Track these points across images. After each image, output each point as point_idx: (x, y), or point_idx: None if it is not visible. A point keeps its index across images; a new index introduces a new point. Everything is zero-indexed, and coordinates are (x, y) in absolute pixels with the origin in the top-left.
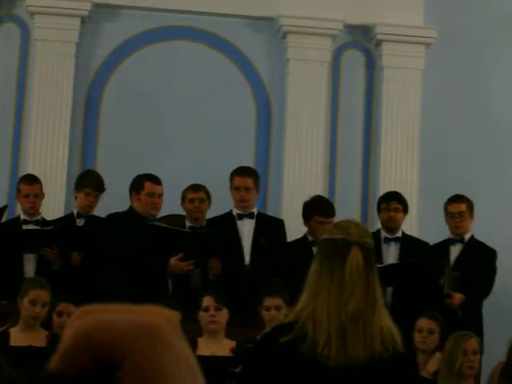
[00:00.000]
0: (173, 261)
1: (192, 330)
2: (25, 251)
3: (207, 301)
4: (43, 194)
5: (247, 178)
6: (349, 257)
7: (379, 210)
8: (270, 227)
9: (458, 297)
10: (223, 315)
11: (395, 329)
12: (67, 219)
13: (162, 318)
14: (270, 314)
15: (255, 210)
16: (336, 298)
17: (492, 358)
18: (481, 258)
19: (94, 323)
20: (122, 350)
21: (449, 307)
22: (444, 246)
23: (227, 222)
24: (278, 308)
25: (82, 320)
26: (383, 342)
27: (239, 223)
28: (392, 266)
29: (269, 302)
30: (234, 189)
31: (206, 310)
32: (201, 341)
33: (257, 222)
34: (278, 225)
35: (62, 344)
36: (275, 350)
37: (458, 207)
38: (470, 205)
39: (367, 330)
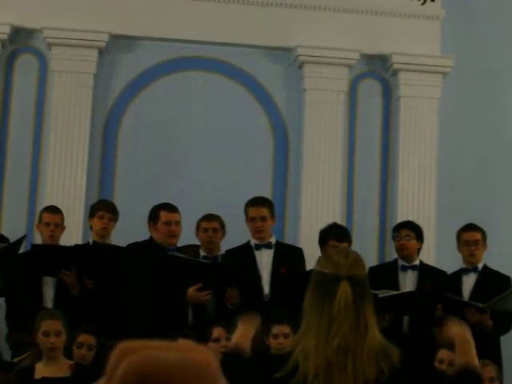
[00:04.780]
0: (191, 291)
1: None
2: (43, 273)
3: (217, 332)
4: (64, 227)
5: (262, 207)
6: (338, 292)
7: (393, 239)
8: (288, 256)
9: (490, 322)
10: None
11: (390, 346)
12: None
13: (208, 355)
14: (278, 342)
15: (273, 240)
16: (324, 332)
17: None
18: (497, 287)
19: (147, 360)
20: None
21: (475, 322)
22: (457, 276)
23: (245, 252)
24: (286, 336)
25: (133, 357)
26: (378, 367)
27: (257, 254)
28: (405, 294)
29: (277, 329)
30: (250, 219)
31: (217, 340)
32: None
33: (275, 252)
34: (296, 253)
35: (114, 379)
36: None
37: (474, 236)
38: (483, 234)
39: (357, 362)
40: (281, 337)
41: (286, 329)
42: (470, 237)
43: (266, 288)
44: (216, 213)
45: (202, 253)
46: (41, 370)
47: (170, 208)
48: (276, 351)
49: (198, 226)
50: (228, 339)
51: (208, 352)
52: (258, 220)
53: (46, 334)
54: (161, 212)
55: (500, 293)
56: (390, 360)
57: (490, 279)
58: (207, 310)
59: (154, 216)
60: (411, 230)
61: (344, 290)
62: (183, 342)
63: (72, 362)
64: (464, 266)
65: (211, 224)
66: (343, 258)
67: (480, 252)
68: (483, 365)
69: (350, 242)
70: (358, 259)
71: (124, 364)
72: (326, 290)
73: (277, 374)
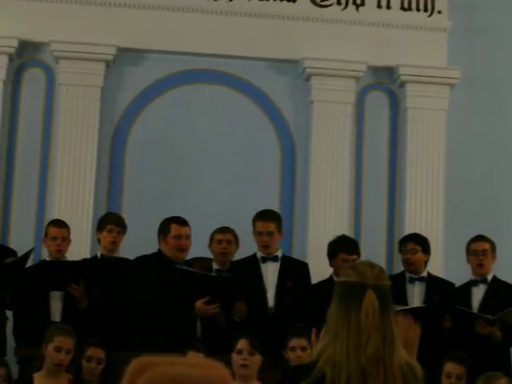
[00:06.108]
0: (198, 304)
1: None
2: (51, 288)
3: (242, 344)
4: (70, 240)
5: (270, 222)
6: (364, 300)
7: (400, 252)
8: (294, 270)
9: (499, 334)
10: (256, 360)
11: (415, 364)
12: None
13: (224, 371)
14: (296, 355)
15: (279, 253)
16: (354, 340)
17: None
18: (506, 298)
19: (166, 376)
20: None
21: (485, 334)
22: (466, 288)
23: (251, 265)
24: (303, 348)
25: (151, 373)
26: (405, 381)
27: (263, 266)
28: (415, 309)
29: (294, 342)
30: (257, 234)
31: (239, 352)
32: None
33: (281, 265)
34: (302, 268)
35: None
36: None
37: (482, 245)
38: (493, 245)
39: (388, 370)
40: (298, 349)
41: (304, 342)
42: (479, 246)
43: (271, 301)
44: (224, 225)
45: (215, 266)
46: (39, 382)
47: (181, 222)
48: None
49: (211, 239)
50: (251, 353)
51: (224, 368)
52: (265, 235)
53: (58, 350)
54: (171, 225)
55: (510, 304)
56: (416, 377)
57: (499, 290)
58: (218, 322)
59: (164, 229)
60: (417, 243)
61: (370, 299)
62: (200, 359)
63: (71, 376)
64: (473, 277)
65: (225, 236)
66: (369, 269)
67: (488, 262)
68: (496, 377)
69: (359, 254)
70: (382, 270)
71: (143, 379)
72: (352, 299)
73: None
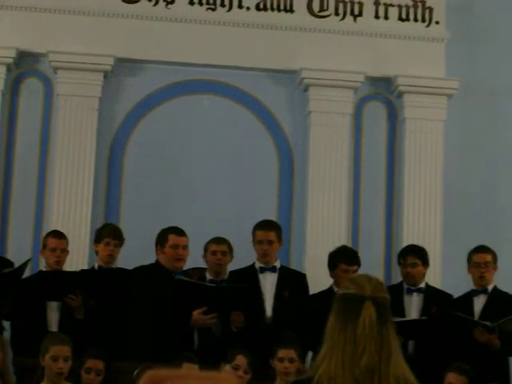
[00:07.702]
0: (196, 314)
1: None
2: (49, 298)
3: (240, 360)
4: (68, 252)
5: (270, 231)
6: (362, 312)
7: (399, 265)
8: (292, 281)
9: (497, 342)
10: (247, 378)
11: (413, 379)
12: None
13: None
14: (283, 366)
15: (277, 264)
16: (349, 353)
17: None
18: (507, 309)
19: None
20: None
21: (483, 341)
22: (467, 298)
23: (249, 275)
24: (291, 360)
25: None
26: None
27: (261, 276)
28: (413, 321)
29: (283, 353)
30: (257, 242)
31: (236, 368)
32: None
33: (279, 276)
34: (300, 278)
35: None
36: None
37: (484, 257)
38: (494, 256)
39: (383, 381)
40: (286, 361)
41: (292, 353)
42: (481, 258)
43: (269, 311)
44: (221, 235)
45: (209, 276)
46: None
47: (178, 232)
48: (283, 376)
49: (206, 249)
50: (246, 372)
51: (233, 381)
52: (265, 243)
53: (55, 359)
54: (169, 235)
55: (510, 313)
56: None
57: (499, 301)
58: (214, 330)
59: (161, 239)
60: (417, 256)
61: (368, 310)
62: (213, 373)
63: None
64: (474, 287)
65: (220, 247)
66: (367, 281)
67: (490, 274)
68: None
69: (359, 264)
70: (381, 283)
71: None
72: (350, 311)
73: None
